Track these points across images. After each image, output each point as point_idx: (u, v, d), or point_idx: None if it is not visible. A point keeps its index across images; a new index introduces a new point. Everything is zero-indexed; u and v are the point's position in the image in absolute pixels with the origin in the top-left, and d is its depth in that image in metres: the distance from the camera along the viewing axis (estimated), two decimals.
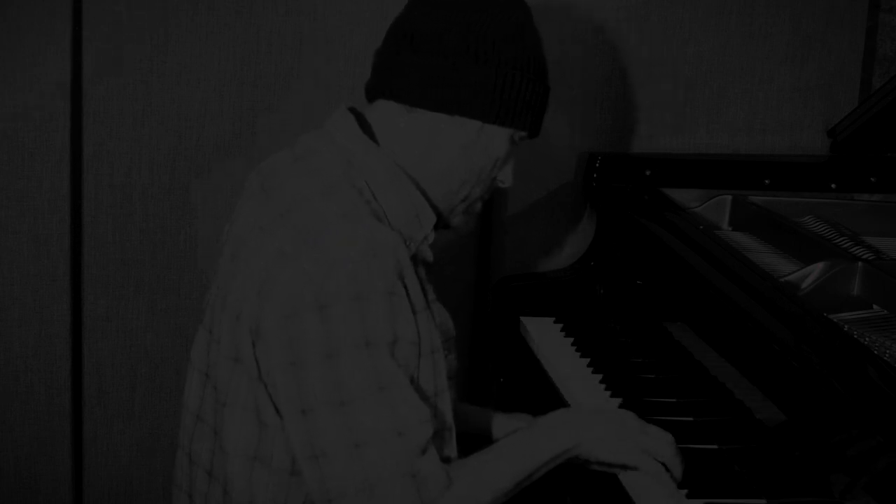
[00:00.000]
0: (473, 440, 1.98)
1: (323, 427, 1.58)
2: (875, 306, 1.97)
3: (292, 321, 1.57)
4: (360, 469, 1.57)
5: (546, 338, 2.44)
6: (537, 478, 1.73)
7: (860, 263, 2.03)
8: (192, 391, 1.78)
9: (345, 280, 1.56)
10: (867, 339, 1.81)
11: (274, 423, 1.63)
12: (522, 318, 2.54)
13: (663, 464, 1.77)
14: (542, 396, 2.28)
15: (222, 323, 1.68)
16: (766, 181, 2.61)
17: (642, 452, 1.77)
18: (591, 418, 1.84)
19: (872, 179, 2.63)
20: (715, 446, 1.94)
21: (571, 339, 2.41)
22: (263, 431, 1.64)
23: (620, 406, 2.09)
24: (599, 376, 2.22)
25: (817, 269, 2.03)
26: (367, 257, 1.57)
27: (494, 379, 2.63)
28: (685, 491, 1.78)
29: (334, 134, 1.74)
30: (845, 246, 2.20)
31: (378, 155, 1.72)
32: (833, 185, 2.62)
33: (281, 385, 1.60)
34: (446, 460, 1.75)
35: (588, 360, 2.30)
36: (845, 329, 1.84)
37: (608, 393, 2.15)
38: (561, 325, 2.49)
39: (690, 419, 2.05)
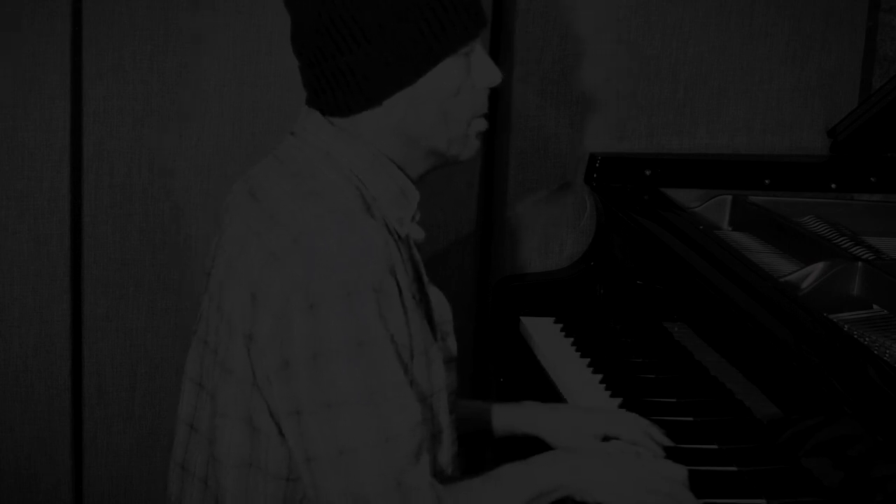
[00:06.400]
0: (474, 438, 1.99)
1: (311, 430, 1.56)
2: (875, 306, 1.97)
3: (284, 323, 1.56)
4: (345, 476, 1.55)
5: (546, 338, 2.44)
6: None
7: (860, 263, 2.03)
8: (186, 401, 1.77)
9: (333, 278, 1.55)
10: (867, 339, 1.81)
11: (267, 429, 1.62)
12: (522, 318, 2.54)
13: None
14: (541, 396, 2.27)
15: (219, 332, 1.67)
16: (766, 181, 2.61)
17: (648, 492, 1.72)
18: (591, 461, 1.76)
19: (872, 179, 2.62)
20: (715, 446, 1.94)
21: (571, 339, 2.41)
22: (256, 438, 1.63)
23: (620, 406, 2.09)
24: (599, 376, 2.22)
25: (817, 269, 2.03)
26: (355, 254, 1.56)
27: (494, 379, 2.63)
28: None
29: (306, 134, 1.72)
30: (845, 246, 2.20)
31: (352, 142, 1.69)
32: (833, 185, 2.62)
33: (276, 388, 1.59)
34: (440, 468, 1.72)
35: (588, 360, 2.30)
36: (845, 329, 1.84)
37: (608, 393, 2.16)
38: (561, 325, 2.49)
39: (690, 419, 2.05)
